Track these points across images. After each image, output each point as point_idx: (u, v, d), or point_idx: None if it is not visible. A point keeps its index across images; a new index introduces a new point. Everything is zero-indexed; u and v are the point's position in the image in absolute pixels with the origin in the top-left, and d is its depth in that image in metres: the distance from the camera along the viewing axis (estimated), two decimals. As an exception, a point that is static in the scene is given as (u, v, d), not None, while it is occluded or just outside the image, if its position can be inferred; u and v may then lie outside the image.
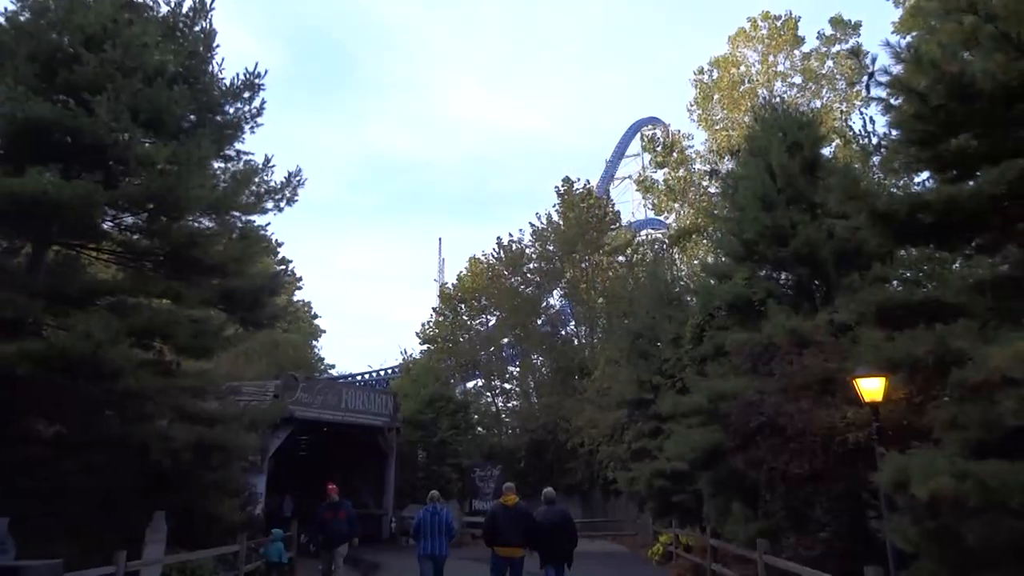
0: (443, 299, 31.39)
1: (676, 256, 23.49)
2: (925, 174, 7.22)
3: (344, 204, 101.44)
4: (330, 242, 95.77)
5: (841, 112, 22.50)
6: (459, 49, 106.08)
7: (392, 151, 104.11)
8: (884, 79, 6.35)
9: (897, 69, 6.31)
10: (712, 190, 23.86)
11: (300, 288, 34.74)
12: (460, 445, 22.33)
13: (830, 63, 23.89)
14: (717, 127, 25.21)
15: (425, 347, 30.48)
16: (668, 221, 28.23)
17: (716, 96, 25.45)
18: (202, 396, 9.62)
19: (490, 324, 29.62)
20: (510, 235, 29.44)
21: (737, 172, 13.64)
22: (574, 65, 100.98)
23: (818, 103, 23.22)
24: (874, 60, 6.53)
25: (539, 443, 23.80)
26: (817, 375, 9.02)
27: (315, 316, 36.39)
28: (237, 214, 9.94)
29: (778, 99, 15.72)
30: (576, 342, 27.20)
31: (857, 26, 23.63)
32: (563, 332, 27.96)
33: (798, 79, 24.30)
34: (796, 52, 24.54)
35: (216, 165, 10.10)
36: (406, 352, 30.29)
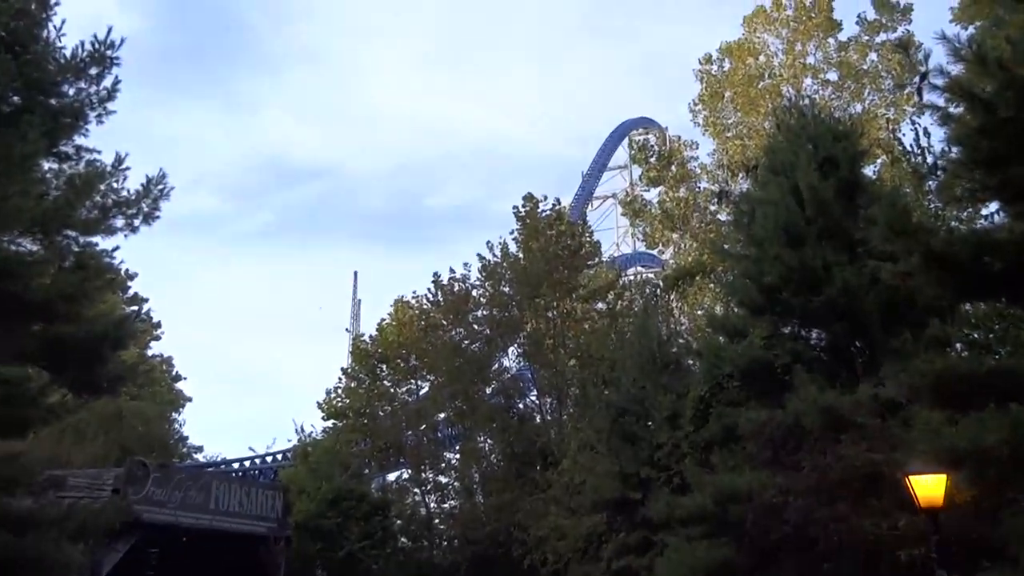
0: (357, 357, 31.30)
1: (674, 304, 23.81)
2: (994, 205, 7.45)
3: (225, 222, 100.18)
4: (204, 274, 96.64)
5: (887, 121, 23.45)
6: (387, 20, 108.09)
7: (293, 151, 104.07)
8: (940, 82, 6.55)
9: (956, 69, 6.50)
10: (722, 217, 24.31)
11: (158, 338, 34.76)
12: (376, 562, 21.75)
13: (873, 56, 24.87)
14: (728, 134, 25.97)
15: (330, 424, 30.12)
16: (664, 257, 28.79)
17: (728, 94, 26.22)
18: (9, 490, 9.03)
19: (421, 393, 29.46)
20: (451, 271, 29.13)
21: (754, 194, 14.00)
22: (542, 46, 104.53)
23: (858, 107, 24.16)
24: (927, 56, 6.72)
25: (485, 560, 23.25)
26: (859, 470, 9.01)
27: (177, 378, 36.21)
28: (73, 234, 9.66)
29: (807, 100, 16.30)
30: (538, 419, 27.01)
31: (907, 10, 24.42)
32: (520, 405, 27.83)
33: (833, 75, 25.27)
34: (830, 40, 25.52)
35: (46, 166, 9.86)
36: (303, 430, 29.35)
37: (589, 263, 28.95)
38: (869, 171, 15.98)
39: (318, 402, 31.27)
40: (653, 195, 28.04)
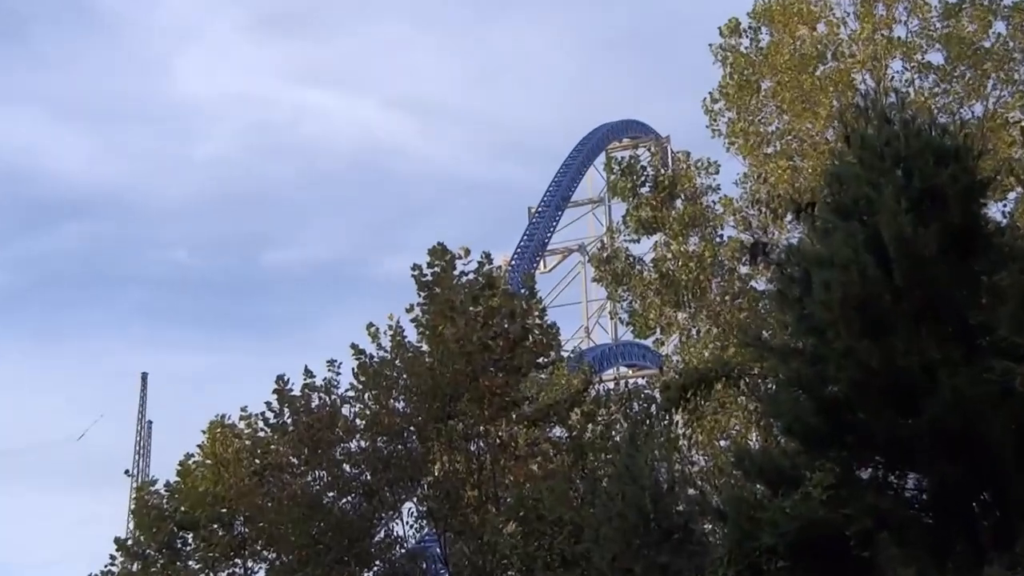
0: (143, 520, 31.29)
1: (680, 431, 23.87)
2: None
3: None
4: None
5: (1024, 130, 24.48)
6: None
7: (42, 169, 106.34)
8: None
9: None
10: (758, 286, 24.81)
11: None
12: None
13: (1000, 27, 25.79)
14: (768, 149, 26.61)
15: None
16: (663, 350, 28.76)
17: (767, 84, 26.90)
18: None
19: (254, 582, 29.50)
20: (308, 374, 29.24)
21: (810, 250, 14.10)
22: (453, 7, 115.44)
23: (978, 108, 25.03)
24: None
25: None
26: None
27: None
28: None
29: (894, 96, 16.58)
30: (453, 628, 26.59)
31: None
32: (426, 601, 27.73)
33: (936, 56, 26.08)
34: (931, 2, 26.32)
35: None
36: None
37: (540, 361, 28.97)
38: (995, 211, 16.25)
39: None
40: (645, 248, 28.23)
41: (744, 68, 26.94)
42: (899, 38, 26.24)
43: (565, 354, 32.46)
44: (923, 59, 25.95)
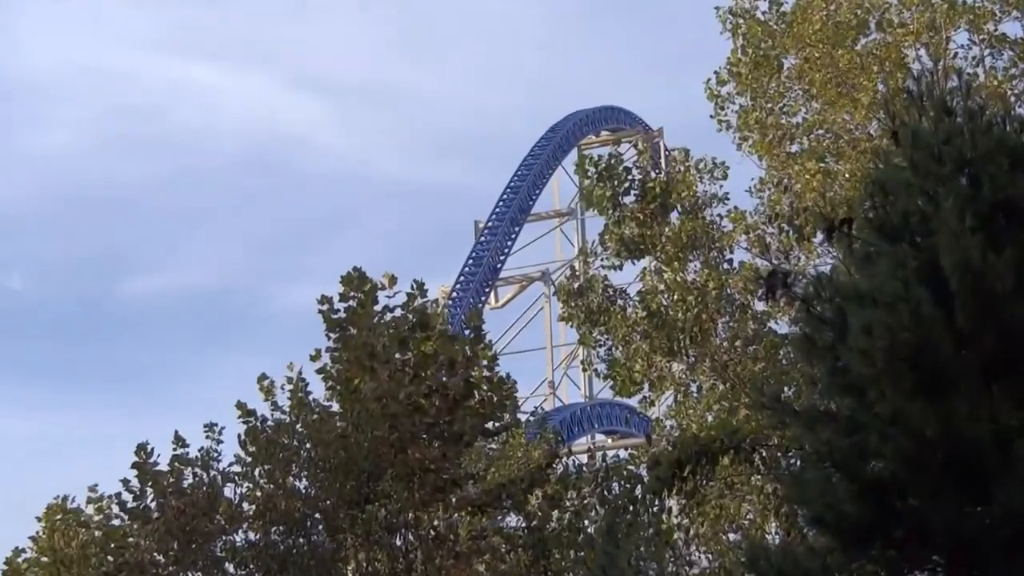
0: None
1: (674, 518, 23.98)
2: None
3: None
4: None
5: None
6: None
7: None
8: None
9: None
10: (776, 326, 25.31)
11: None
12: None
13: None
14: (792, 147, 27.13)
15: None
16: (652, 413, 28.85)
17: (790, 61, 27.49)
18: None
19: None
20: (178, 443, 29.25)
21: (845, 280, 14.23)
22: None
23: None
24: None
25: None
26: None
27: None
28: None
29: (957, 78, 16.75)
30: None
31: None
32: None
33: (1013, 27, 26.73)
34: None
35: None
36: None
37: (489, 426, 29.07)
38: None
39: None
40: (629, 276, 28.40)
41: (761, 40, 27.21)
42: (964, 2, 26.61)
43: (523, 417, 32.44)
44: (996, 30, 26.43)
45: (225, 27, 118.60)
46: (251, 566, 27.87)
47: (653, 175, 28.25)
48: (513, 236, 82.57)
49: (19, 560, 31.03)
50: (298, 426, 28.30)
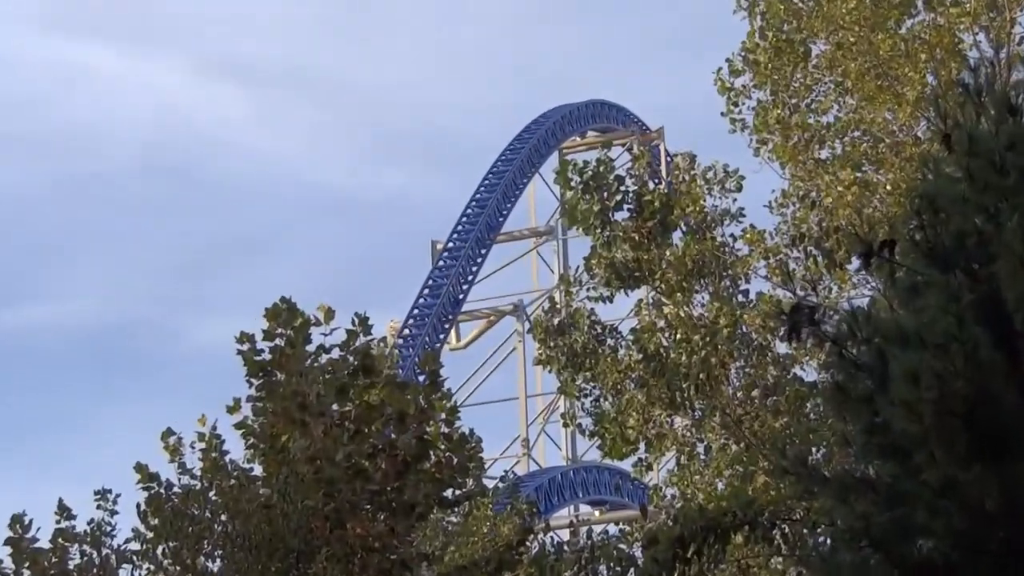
0: None
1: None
2: None
3: None
4: None
5: None
6: None
7: None
8: None
9: None
10: (802, 373, 25.50)
11: None
12: None
13: None
14: (820, 151, 27.49)
15: None
16: (649, 479, 28.79)
17: (819, 47, 27.85)
18: None
19: None
20: (63, 513, 28.63)
21: (886, 317, 14.24)
22: None
23: None
24: None
25: None
26: None
27: None
28: None
29: (1021, 69, 16.67)
30: None
31: None
32: None
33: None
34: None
35: None
36: None
37: (448, 495, 28.98)
38: None
39: None
40: (621, 310, 28.37)
41: (785, 21, 27.38)
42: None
43: (490, 483, 32.42)
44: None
45: (125, 1, 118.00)
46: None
47: (651, 186, 28.34)
48: (479, 260, 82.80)
49: None
50: (211, 493, 28.07)
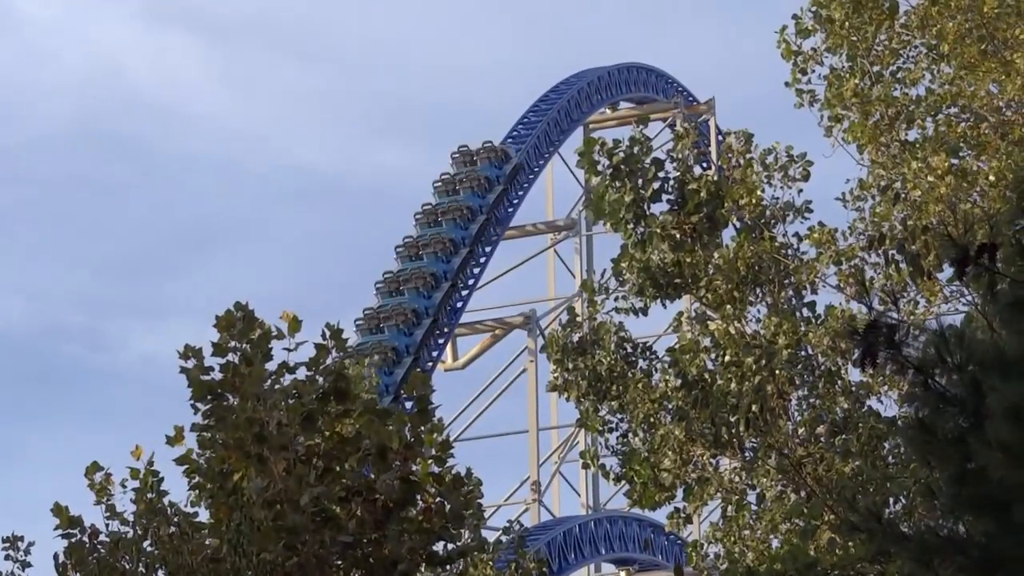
0: None
1: None
2: None
3: None
4: None
5: None
6: None
7: None
8: None
9: None
10: (883, 407, 25.51)
11: None
12: None
13: None
14: (906, 132, 27.44)
15: None
16: (687, 532, 28.86)
17: (906, 3, 27.92)
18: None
19: None
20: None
21: (985, 340, 14.31)
22: None
23: None
24: None
25: None
26: None
27: None
28: None
29: None
30: None
31: None
32: None
33: None
34: None
35: None
36: None
37: (439, 546, 29.03)
38: None
39: None
40: (657, 324, 28.45)
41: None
42: None
43: (491, 535, 32.50)
44: None
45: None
46: None
47: (697, 171, 28.44)
48: (482, 260, 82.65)
49: None
50: (146, 543, 28.14)
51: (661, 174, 27.59)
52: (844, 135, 27.25)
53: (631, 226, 27.18)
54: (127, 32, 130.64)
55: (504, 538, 34.40)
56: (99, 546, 28.25)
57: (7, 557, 28.91)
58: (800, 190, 27.03)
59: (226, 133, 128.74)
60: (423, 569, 28.53)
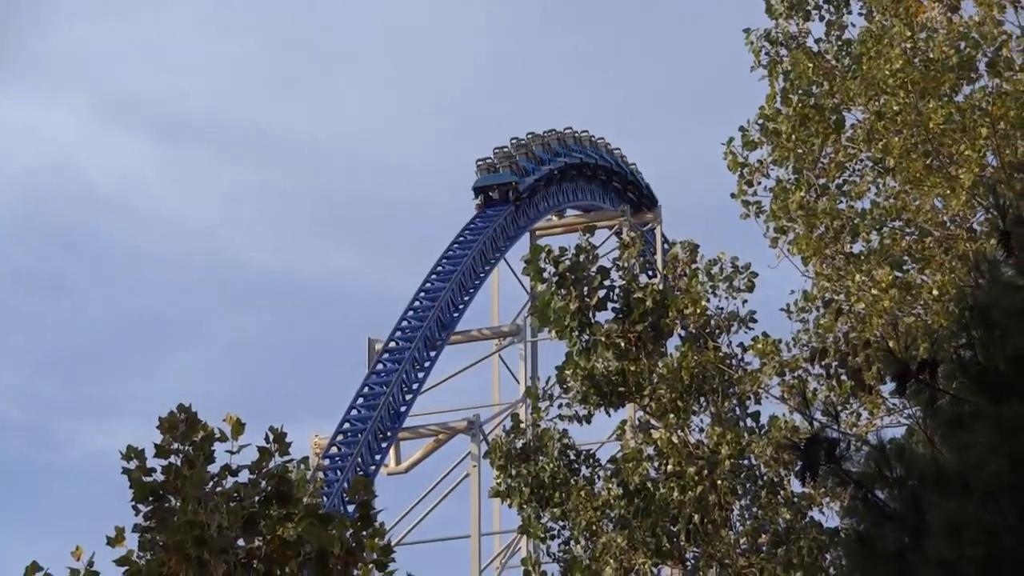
0: None
1: None
2: None
3: None
4: None
5: None
6: None
7: None
8: None
9: None
10: (824, 518, 25.52)
11: None
12: None
13: None
14: (851, 244, 27.59)
15: None
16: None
17: (854, 115, 28.42)
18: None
19: None
20: None
21: (925, 456, 14.36)
22: None
23: None
24: None
25: None
26: None
27: None
28: None
29: None
30: None
31: None
32: None
33: None
34: None
35: None
36: None
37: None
38: None
39: None
40: (600, 431, 28.45)
41: (813, 82, 27.61)
42: None
43: None
44: None
45: (6, 28, 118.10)
46: None
47: (643, 280, 28.49)
48: (426, 364, 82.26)
49: None
50: None
51: (607, 282, 27.63)
52: (789, 247, 27.37)
53: (576, 334, 27.22)
54: (77, 126, 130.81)
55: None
56: (34, 659, 28.09)
57: (-54, 664, 28.73)
58: (745, 301, 27.14)
59: (171, 228, 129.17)
60: None
